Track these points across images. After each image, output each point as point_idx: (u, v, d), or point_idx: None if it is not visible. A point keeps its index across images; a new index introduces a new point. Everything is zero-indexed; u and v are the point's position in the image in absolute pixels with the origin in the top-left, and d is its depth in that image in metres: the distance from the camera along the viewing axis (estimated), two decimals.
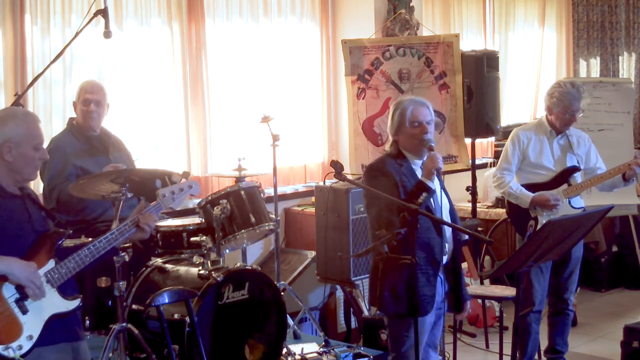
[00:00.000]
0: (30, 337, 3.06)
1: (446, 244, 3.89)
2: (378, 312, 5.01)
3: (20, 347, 3.02)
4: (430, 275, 3.84)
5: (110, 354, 4.22)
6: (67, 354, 3.23)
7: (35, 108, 5.06)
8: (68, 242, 3.31)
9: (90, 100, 4.76)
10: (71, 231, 3.31)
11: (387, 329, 4.03)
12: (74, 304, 3.20)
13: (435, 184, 3.82)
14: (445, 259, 3.91)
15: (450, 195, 4.05)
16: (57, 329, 3.15)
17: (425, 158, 3.91)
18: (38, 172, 3.49)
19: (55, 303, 3.14)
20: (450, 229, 3.90)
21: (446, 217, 3.94)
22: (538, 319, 5.09)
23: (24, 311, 3.06)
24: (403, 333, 3.88)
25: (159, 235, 4.79)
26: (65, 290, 3.18)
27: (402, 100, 3.99)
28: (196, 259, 4.62)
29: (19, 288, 3.04)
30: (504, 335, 5.34)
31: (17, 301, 3.05)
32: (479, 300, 6.10)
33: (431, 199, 3.83)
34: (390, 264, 3.77)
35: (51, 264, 3.16)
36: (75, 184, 4.18)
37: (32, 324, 3.07)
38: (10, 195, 3.21)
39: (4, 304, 3.03)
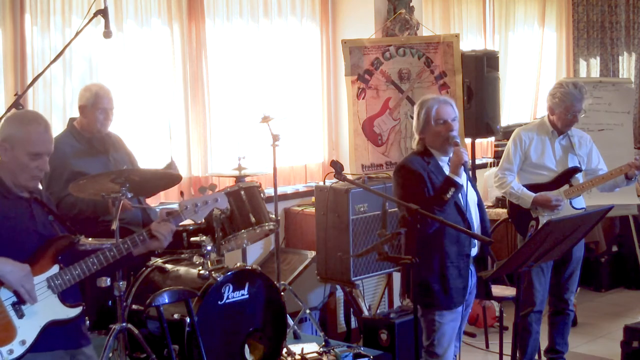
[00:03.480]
0: (23, 342, 3.01)
1: None
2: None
3: (11, 352, 2.98)
4: (461, 268, 3.97)
5: (110, 354, 4.22)
6: None
7: (35, 108, 5.05)
8: (85, 240, 3.28)
9: (108, 110, 4.77)
10: (80, 237, 3.29)
11: (421, 320, 4.11)
12: (75, 311, 3.15)
13: (462, 179, 3.94)
14: (474, 250, 4.04)
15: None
16: (54, 336, 3.10)
17: (451, 154, 4.03)
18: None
19: (54, 309, 3.10)
20: (478, 221, 4.06)
21: (474, 210, 4.07)
22: (539, 319, 5.10)
23: (20, 315, 3.02)
24: (434, 323, 4.01)
25: None
26: (67, 297, 3.14)
27: (426, 100, 4.10)
28: (196, 259, 4.62)
29: (14, 290, 3.01)
30: (504, 335, 5.34)
31: (13, 304, 3.01)
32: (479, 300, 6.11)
33: (459, 194, 3.94)
34: (422, 258, 3.83)
35: (55, 269, 3.12)
36: (75, 184, 4.17)
37: (26, 329, 3.03)
38: (16, 196, 3.18)
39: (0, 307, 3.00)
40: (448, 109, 4.03)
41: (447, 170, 4.04)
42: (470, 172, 4.19)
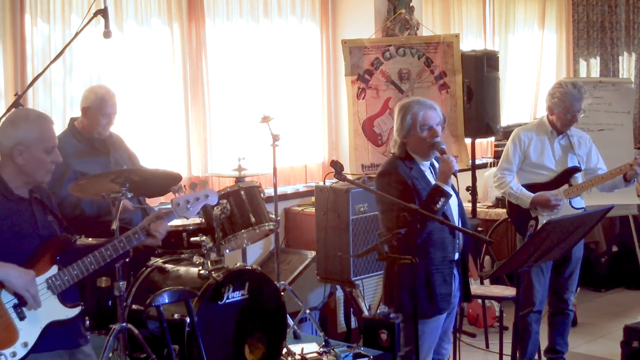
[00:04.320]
0: (26, 344, 3.02)
1: (457, 241, 3.95)
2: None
3: (14, 354, 2.99)
4: (446, 274, 3.91)
5: (110, 354, 4.22)
6: (63, 359, 3.20)
7: (35, 108, 5.04)
8: (85, 240, 3.29)
9: (111, 114, 4.77)
10: (78, 237, 3.29)
11: (401, 327, 4.07)
12: (74, 312, 3.17)
13: (449, 187, 3.87)
14: (457, 255, 3.98)
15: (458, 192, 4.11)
16: (54, 336, 3.12)
17: (432, 158, 3.98)
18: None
19: (54, 310, 3.11)
20: (460, 224, 3.99)
21: (455, 213, 4.00)
22: (538, 319, 5.10)
23: (22, 317, 3.03)
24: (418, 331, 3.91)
25: None
26: (66, 298, 3.15)
27: (410, 104, 3.98)
28: (196, 259, 4.62)
29: (18, 294, 3.02)
30: (504, 335, 5.34)
31: (15, 307, 3.02)
32: (479, 300, 6.11)
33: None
34: (406, 265, 3.80)
35: (54, 270, 3.13)
36: (75, 184, 4.17)
37: (28, 331, 3.04)
38: (17, 198, 3.19)
39: (1, 310, 3.00)
40: (433, 115, 3.93)
41: (428, 174, 3.96)
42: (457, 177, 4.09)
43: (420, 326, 3.88)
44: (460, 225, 3.99)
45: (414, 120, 3.90)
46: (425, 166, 3.98)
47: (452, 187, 3.92)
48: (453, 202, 3.96)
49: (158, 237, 3.33)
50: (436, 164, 4.01)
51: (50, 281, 3.10)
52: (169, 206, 3.45)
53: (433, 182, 3.90)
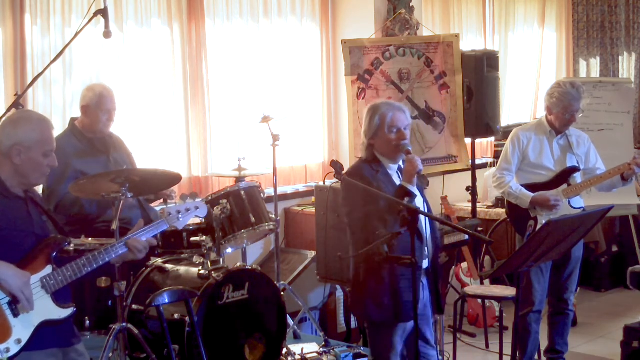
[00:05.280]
0: (19, 341, 3.04)
1: (426, 248, 3.86)
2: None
3: (7, 350, 3.01)
4: (412, 280, 3.79)
5: (110, 354, 4.22)
6: (57, 358, 3.22)
7: (35, 108, 5.06)
8: (85, 240, 3.30)
9: (111, 111, 4.78)
10: (71, 242, 3.30)
11: (367, 333, 4.02)
12: (67, 312, 3.19)
13: (414, 188, 3.81)
14: (426, 262, 3.88)
15: (427, 197, 4.03)
16: (47, 335, 3.14)
17: (400, 162, 3.92)
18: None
19: (47, 310, 3.14)
20: (429, 232, 3.88)
21: (423, 218, 3.87)
22: (538, 319, 5.10)
23: (16, 314, 3.05)
24: (384, 339, 3.88)
25: (159, 235, 4.78)
26: (59, 298, 3.18)
27: (379, 105, 3.96)
28: (196, 259, 4.62)
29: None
30: (504, 335, 5.34)
31: (9, 304, 3.04)
32: (479, 300, 6.11)
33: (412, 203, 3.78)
34: (372, 271, 3.76)
35: (48, 269, 3.15)
36: (75, 184, 4.18)
37: (21, 328, 3.06)
38: (14, 196, 3.21)
39: None
40: (402, 117, 3.89)
41: (395, 178, 3.91)
42: (420, 182, 3.98)
43: (381, 332, 3.86)
44: (428, 226, 3.88)
45: (381, 121, 3.87)
46: (392, 170, 3.93)
47: (418, 187, 3.87)
48: (419, 202, 3.86)
49: (135, 253, 3.34)
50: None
51: (44, 281, 3.13)
52: (171, 205, 3.48)
53: None
